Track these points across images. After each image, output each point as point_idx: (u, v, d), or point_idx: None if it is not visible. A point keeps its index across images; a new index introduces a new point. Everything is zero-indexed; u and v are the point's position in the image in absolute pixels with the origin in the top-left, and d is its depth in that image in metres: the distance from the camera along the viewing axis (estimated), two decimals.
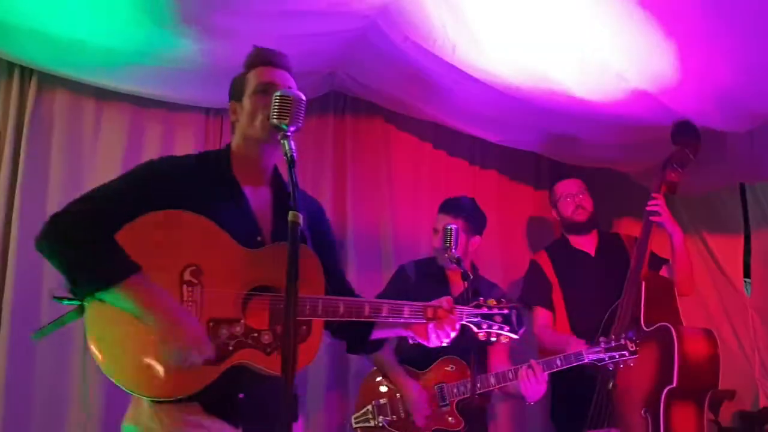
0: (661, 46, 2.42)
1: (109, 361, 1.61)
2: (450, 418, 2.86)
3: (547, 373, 2.72)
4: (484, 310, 2.06)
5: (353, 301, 1.89)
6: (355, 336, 2.05)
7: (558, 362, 2.73)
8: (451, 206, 3.06)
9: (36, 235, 1.67)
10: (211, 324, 1.68)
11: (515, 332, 2.05)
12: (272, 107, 1.60)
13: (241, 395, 1.73)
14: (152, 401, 1.68)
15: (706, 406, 2.79)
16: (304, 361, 1.77)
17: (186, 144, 3.47)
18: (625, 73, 2.63)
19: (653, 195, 3.05)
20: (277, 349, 1.71)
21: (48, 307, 3.08)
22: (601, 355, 2.63)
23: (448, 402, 2.85)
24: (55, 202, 3.17)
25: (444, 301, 1.98)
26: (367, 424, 2.89)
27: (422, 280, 3.06)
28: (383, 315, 1.90)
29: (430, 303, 1.97)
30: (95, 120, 3.36)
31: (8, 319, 3.01)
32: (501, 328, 2.04)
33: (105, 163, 3.32)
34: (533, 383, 2.69)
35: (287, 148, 1.59)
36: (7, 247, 3.05)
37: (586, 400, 2.91)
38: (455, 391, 2.85)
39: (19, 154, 3.13)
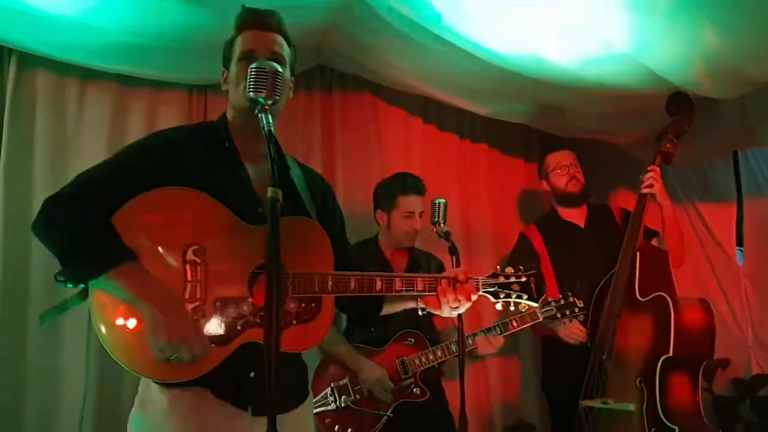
0: (648, 11, 2.38)
1: (117, 344, 1.58)
2: (415, 389, 2.90)
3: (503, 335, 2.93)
4: (501, 280, 1.95)
5: (365, 276, 1.80)
6: (364, 311, 2.01)
7: (514, 323, 2.90)
8: (421, 187, 3.08)
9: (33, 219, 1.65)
10: (217, 304, 1.64)
11: (535, 300, 1.96)
12: (248, 80, 1.54)
13: (252, 373, 1.69)
14: (161, 385, 1.66)
15: (700, 375, 2.79)
16: (315, 339, 1.75)
17: (170, 122, 3.41)
18: (612, 39, 2.59)
19: (649, 168, 3.05)
20: (286, 326, 1.66)
21: (37, 287, 3.07)
22: (553, 313, 2.83)
23: (410, 374, 2.90)
24: (40, 182, 3.16)
25: (459, 272, 1.90)
26: (326, 408, 2.85)
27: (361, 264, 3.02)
28: (396, 289, 1.82)
29: (444, 274, 1.89)
30: (79, 99, 3.32)
31: None
32: (519, 297, 1.94)
33: (90, 142, 3.28)
34: (489, 347, 2.96)
35: (264, 122, 1.52)
36: None
37: (578, 371, 2.92)
38: (417, 362, 2.91)
39: (0, 135, 3.08)
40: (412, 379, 2.90)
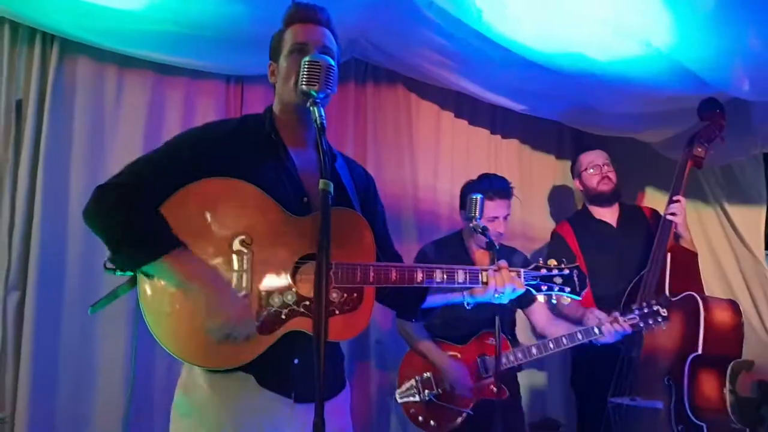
0: (690, 11, 2.38)
1: (164, 331, 1.62)
2: (494, 388, 2.90)
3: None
4: (543, 272, 1.93)
5: (406, 267, 1.81)
6: (407, 302, 2.01)
7: (598, 331, 2.76)
8: (507, 191, 3.00)
9: (83, 208, 1.67)
10: (263, 293, 1.67)
11: (577, 293, 1.92)
12: (301, 73, 1.58)
13: (296, 360, 1.71)
14: (205, 371, 1.69)
15: (727, 374, 2.82)
16: (357, 329, 1.77)
17: (207, 111, 3.45)
18: (653, 39, 2.59)
19: (674, 199, 3.04)
20: (329, 316, 1.66)
21: (72, 271, 3.11)
22: (635, 321, 2.71)
23: (490, 373, 2.90)
24: (77, 169, 3.19)
25: (500, 264, 1.90)
26: (412, 399, 2.93)
27: (444, 261, 2.99)
28: (437, 281, 1.83)
29: (486, 267, 1.89)
30: (117, 87, 3.34)
31: (33, 286, 3.01)
32: (561, 290, 1.92)
33: (127, 129, 3.31)
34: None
35: (316, 115, 1.56)
36: (32, 213, 3.05)
37: (606, 367, 2.94)
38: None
39: (41, 121, 3.11)
40: (491, 378, 2.91)
